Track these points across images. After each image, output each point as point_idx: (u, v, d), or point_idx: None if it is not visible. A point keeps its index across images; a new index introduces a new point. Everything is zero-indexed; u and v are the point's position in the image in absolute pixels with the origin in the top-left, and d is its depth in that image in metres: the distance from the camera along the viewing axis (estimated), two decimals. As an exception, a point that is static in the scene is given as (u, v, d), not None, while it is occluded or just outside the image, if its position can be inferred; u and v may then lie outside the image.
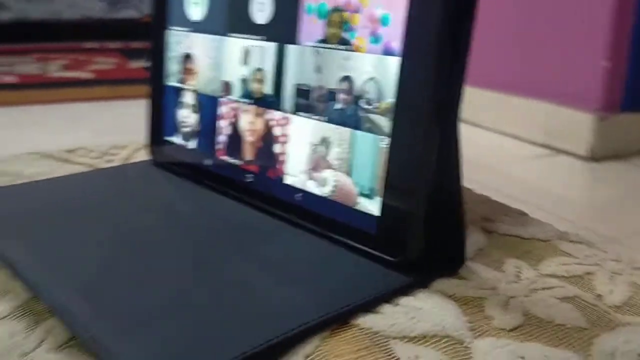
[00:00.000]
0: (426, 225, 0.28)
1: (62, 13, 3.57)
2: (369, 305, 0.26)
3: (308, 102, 0.33)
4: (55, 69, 2.83)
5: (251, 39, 0.36)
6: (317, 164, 0.33)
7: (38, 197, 0.38)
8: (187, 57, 0.41)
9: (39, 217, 0.34)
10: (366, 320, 0.26)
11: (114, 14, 3.69)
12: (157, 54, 0.43)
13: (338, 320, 0.25)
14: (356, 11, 0.30)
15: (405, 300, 0.27)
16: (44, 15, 3.54)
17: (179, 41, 0.41)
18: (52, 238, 0.32)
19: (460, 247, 0.30)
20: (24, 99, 2.17)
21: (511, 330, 0.25)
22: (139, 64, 2.98)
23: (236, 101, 0.37)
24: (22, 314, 0.27)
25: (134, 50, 3.51)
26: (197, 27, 0.40)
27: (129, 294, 0.26)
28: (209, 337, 0.23)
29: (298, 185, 0.34)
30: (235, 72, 0.37)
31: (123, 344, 0.22)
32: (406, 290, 0.28)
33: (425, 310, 0.26)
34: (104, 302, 0.25)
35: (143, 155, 0.49)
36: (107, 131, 1.80)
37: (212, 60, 0.39)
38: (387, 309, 0.26)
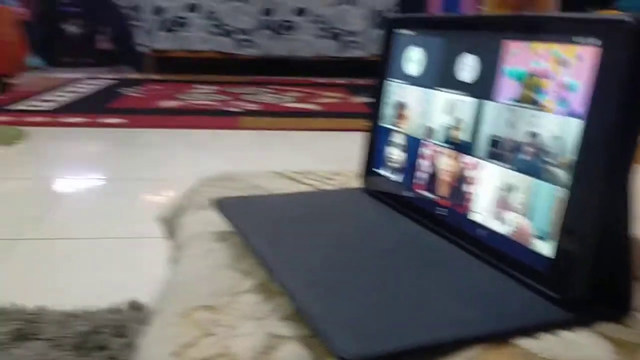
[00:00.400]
0: (594, 270, 0.31)
1: (300, 51, 4.02)
2: (530, 331, 0.31)
3: (498, 151, 0.38)
4: (289, 100, 3.19)
5: (456, 93, 0.42)
6: (501, 206, 0.37)
7: (277, 206, 0.49)
8: (401, 105, 0.49)
9: (278, 221, 0.45)
10: (524, 342, 0.30)
11: (344, 53, 4.03)
12: (377, 99, 0.52)
13: (500, 337, 0.30)
14: (548, 77, 0.35)
15: (563, 333, 0.31)
16: (284, 52, 4.03)
17: (396, 91, 0.50)
18: (285, 237, 0.42)
19: (626, 294, 0.32)
20: (264, 124, 2.50)
21: (661, 375, 0.27)
22: (361, 99, 3.21)
23: (437, 145, 0.44)
24: (261, 291, 0.37)
25: (358, 86, 3.79)
26: (412, 81, 0.48)
27: (337, 285, 0.34)
28: (397, 325, 0.30)
29: (483, 222, 0.39)
30: (439, 120, 0.44)
31: (331, 321, 0.30)
32: (566, 325, 0.31)
33: (579, 343, 0.30)
34: (320, 289, 0.34)
35: (356, 183, 0.58)
36: (328, 158, 1.99)
37: (421, 109, 0.46)
38: (545, 336, 0.30)
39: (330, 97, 3.24)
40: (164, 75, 3.96)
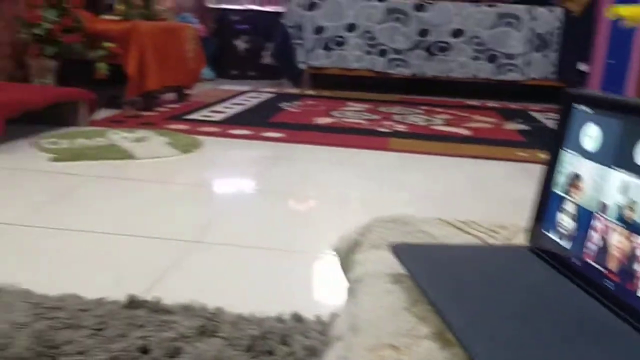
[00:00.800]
0: None
1: (453, 72, 4.01)
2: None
3: (674, 238, 0.40)
4: (439, 122, 3.21)
5: (632, 176, 0.45)
6: (673, 290, 0.40)
7: (449, 257, 0.54)
8: (575, 176, 0.52)
9: (449, 272, 0.51)
10: None
11: (500, 76, 3.95)
12: (551, 166, 0.56)
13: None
14: None
15: None
16: (437, 73, 4.04)
17: (571, 162, 0.53)
18: (458, 289, 0.47)
19: None
20: (412, 147, 2.54)
21: None
22: (513, 126, 3.13)
23: (610, 221, 0.47)
24: (437, 338, 0.43)
25: (511, 110, 3.69)
26: (588, 155, 0.51)
27: (508, 343, 0.39)
28: None
29: (652, 301, 0.41)
30: (612, 198, 0.47)
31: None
32: None
33: None
34: (493, 344, 0.39)
35: (520, 239, 0.61)
36: (475, 187, 1.99)
37: (596, 183, 0.49)
38: None
39: (482, 122, 3.20)
40: (319, 91, 4.18)
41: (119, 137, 2.33)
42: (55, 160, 1.96)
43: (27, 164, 1.92)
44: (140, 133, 2.42)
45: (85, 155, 2.03)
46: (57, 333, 0.89)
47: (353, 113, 3.31)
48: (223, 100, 3.58)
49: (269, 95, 3.92)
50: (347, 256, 0.67)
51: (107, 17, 2.99)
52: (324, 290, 1.18)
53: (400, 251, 0.55)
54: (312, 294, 1.17)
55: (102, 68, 2.77)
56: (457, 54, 3.97)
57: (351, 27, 4.06)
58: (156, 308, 0.99)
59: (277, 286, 1.17)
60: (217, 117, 2.98)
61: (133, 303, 1.00)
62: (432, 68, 4.04)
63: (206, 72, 4.26)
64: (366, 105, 3.62)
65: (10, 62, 2.69)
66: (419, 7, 3.97)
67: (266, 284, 1.17)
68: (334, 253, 0.71)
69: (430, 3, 3.97)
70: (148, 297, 1.04)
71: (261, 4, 4.90)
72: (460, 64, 3.99)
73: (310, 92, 4.16)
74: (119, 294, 1.04)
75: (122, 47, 2.77)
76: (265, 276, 1.21)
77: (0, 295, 1.00)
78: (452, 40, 3.96)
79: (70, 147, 2.12)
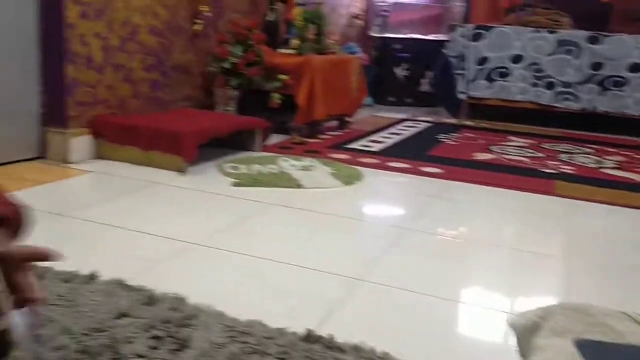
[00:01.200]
0: None
1: (629, 109, 3.74)
2: None
3: None
4: (610, 165, 3.02)
5: None
6: None
7: (632, 358, 0.56)
8: None
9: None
10: None
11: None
12: None
13: None
14: None
15: None
16: (609, 109, 3.80)
17: None
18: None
19: None
20: (579, 193, 2.43)
21: None
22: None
23: None
24: None
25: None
26: None
27: None
28: None
29: None
30: None
31: None
32: None
33: None
34: None
35: None
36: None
37: None
38: None
39: (660, 167, 2.95)
40: (477, 122, 4.13)
41: (289, 165, 2.53)
42: (236, 185, 2.19)
43: (213, 187, 2.17)
44: (307, 162, 2.61)
45: (261, 182, 2.24)
46: (248, 358, 1.03)
47: (515, 149, 3.23)
48: (381, 129, 3.69)
49: (427, 125, 3.96)
50: (525, 336, 0.71)
51: (283, 51, 3.25)
52: (488, 349, 1.20)
53: (585, 348, 0.58)
54: (475, 351, 1.20)
55: (276, 98, 3.02)
56: (635, 89, 3.69)
57: (517, 59, 3.97)
58: (330, 345, 1.09)
59: (439, 336, 1.21)
60: (376, 147, 3.09)
61: (310, 337, 1.11)
62: (604, 103, 3.80)
63: (366, 98, 4.41)
64: (529, 141, 3.51)
65: (200, 92, 3.05)
66: (594, 40, 3.76)
67: (427, 332, 1.23)
68: (511, 329, 0.75)
69: (606, 36, 3.75)
70: (321, 331, 1.14)
71: (423, 33, 4.97)
72: (637, 101, 3.71)
73: (469, 122, 4.12)
74: (295, 325, 1.16)
75: (295, 79, 3.00)
76: (426, 324, 1.26)
77: (200, 316, 1.17)
78: (629, 75, 3.70)
79: (248, 172, 2.36)
